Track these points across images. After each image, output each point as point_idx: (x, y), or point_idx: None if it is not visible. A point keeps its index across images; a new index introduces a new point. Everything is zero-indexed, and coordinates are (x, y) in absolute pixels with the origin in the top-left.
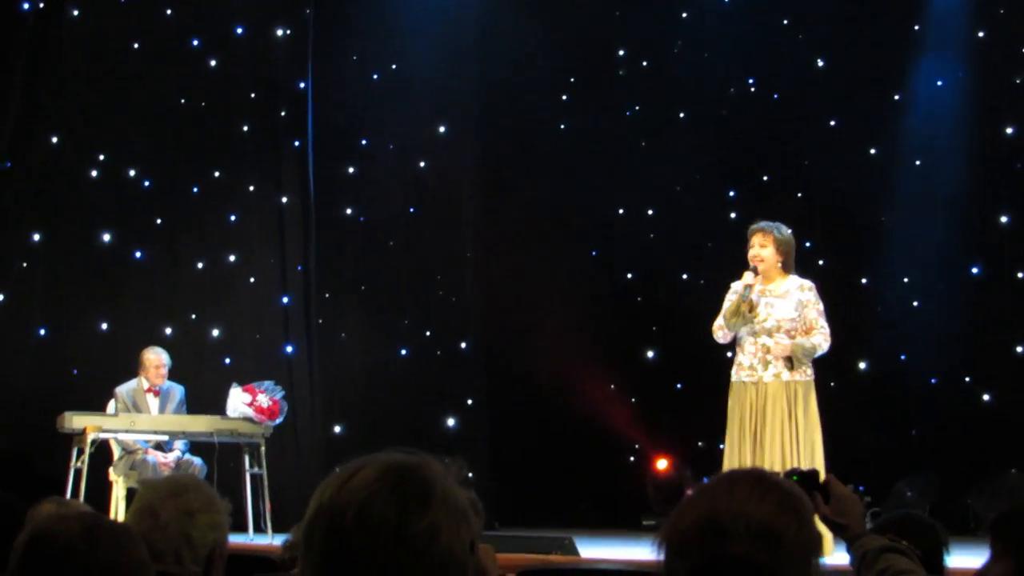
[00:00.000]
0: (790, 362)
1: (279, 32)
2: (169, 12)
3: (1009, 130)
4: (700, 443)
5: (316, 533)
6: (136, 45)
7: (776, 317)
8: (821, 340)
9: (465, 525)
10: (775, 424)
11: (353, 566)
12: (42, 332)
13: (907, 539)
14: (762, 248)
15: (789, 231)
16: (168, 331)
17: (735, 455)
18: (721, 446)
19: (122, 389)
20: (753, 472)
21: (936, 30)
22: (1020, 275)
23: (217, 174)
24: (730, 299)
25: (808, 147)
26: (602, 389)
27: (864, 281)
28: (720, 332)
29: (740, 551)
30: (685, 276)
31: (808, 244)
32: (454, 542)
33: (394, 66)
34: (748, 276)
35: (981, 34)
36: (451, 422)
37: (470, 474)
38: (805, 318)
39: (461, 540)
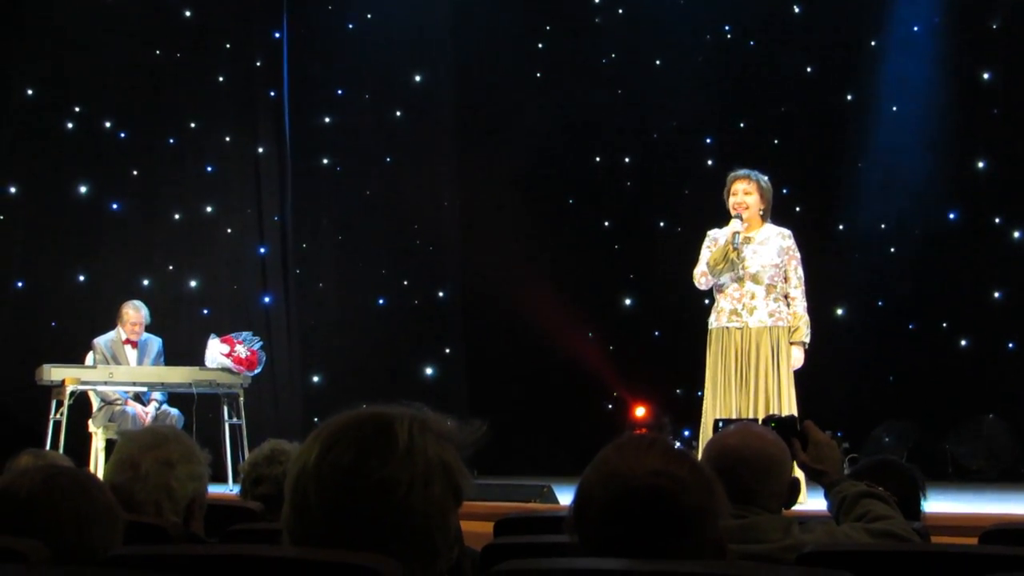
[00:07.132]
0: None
1: None
2: None
3: (985, 76)
4: (678, 391)
5: (290, 475)
6: None
7: (760, 263)
8: (802, 308)
9: (439, 484)
10: (760, 368)
11: (309, 509)
12: (20, 284)
13: (884, 485)
14: (747, 195)
15: (767, 179)
16: (145, 282)
17: (719, 402)
18: (700, 393)
19: (100, 340)
20: (635, 436)
21: None
22: (997, 220)
23: (193, 125)
24: (708, 247)
25: (784, 94)
26: (580, 337)
27: (841, 227)
28: (704, 279)
29: (641, 482)
30: (662, 224)
31: (785, 191)
32: (415, 499)
33: (369, 15)
34: (735, 223)
35: None
36: (429, 371)
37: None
38: (785, 265)
39: (427, 499)
